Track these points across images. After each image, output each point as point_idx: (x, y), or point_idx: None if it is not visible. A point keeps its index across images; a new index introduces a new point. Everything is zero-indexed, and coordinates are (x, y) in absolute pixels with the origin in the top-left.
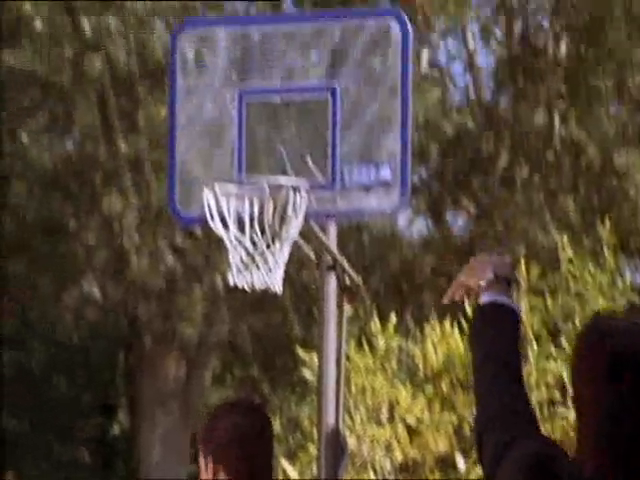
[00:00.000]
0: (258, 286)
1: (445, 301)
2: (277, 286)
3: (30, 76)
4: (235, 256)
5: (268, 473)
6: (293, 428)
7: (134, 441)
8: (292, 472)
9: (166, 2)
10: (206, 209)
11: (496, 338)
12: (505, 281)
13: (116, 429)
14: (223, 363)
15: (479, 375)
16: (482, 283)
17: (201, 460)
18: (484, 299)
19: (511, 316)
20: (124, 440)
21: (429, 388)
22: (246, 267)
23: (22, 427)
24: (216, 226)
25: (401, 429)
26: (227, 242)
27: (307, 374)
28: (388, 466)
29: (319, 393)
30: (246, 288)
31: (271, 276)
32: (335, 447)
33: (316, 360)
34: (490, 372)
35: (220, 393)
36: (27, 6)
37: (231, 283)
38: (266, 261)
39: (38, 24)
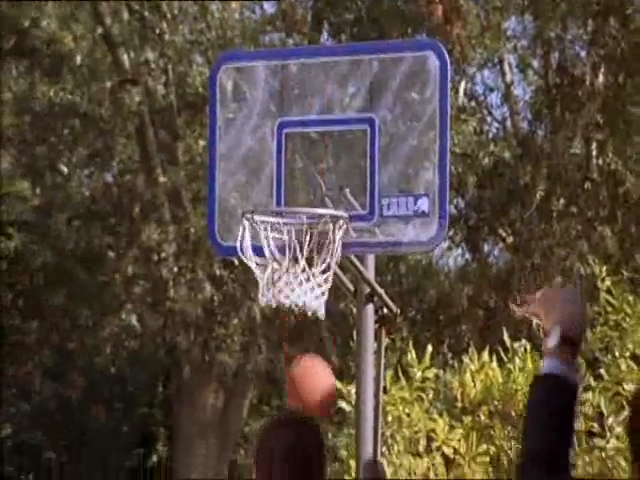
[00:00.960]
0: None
1: (515, 310)
2: (320, 312)
3: (70, 109)
4: (267, 284)
5: None
6: (331, 458)
7: (172, 470)
8: None
9: (205, 36)
10: (238, 240)
11: (547, 425)
12: (572, 344)
13: (154, 459)
14: (260, 393)
15: (522, 462)
16: (549, 344)
17: (255, 475)
18: (546, 366)
19: (567, 394)
20: (162, 470)
21: (467, 419)
22: (279, 291)
23: (61, 458)
24: (250, 258)
25: (438, 460)
26: (259, 273)
27: (344, 405)
28: None
29: (357, 424)
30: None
31: (313, 303)
32: (373, 477)
33: (353, 391)
34: (534, 466)
35: (258, 423)
36: (69, 40)
37: (262, 303)
38: (306, 286)
39: (79, 58)
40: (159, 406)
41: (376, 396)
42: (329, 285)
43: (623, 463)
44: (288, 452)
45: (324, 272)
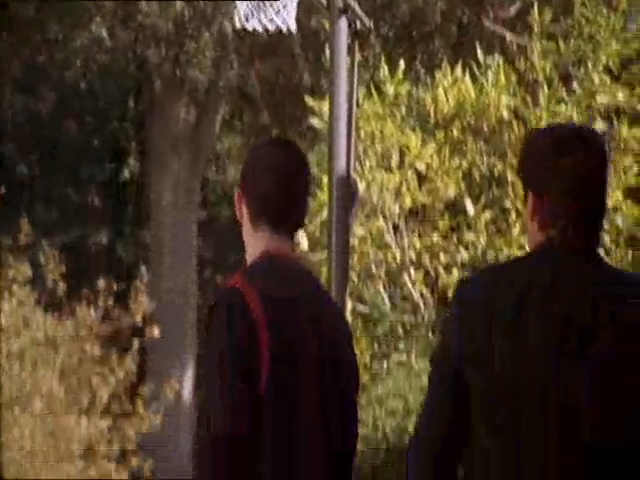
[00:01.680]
0: (271, 27)
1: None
2: (291, 25)
3: None
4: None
5: (303, 207)
6: None
7: (144, 185)
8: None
9: None
10: None
11: None
12: None
13: (126, 173)
14: (232, 109)
15: None
16: None
17: (237, 195)
18: None
19: None
20: (134, 184)
21: (439, 134)
22: (256, 8)
23: (32, 172)
24: None
25: (410, 175)
26: None
27: (315, 122)
28: (397, 211)
29: (330, 139)
30: (256, 29)
31: (284, 15)
32: (346, 193)
33: (325, 108)
34: None
35: (230, 139)
36: None
37: (237, 26)
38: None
39: None
40: (131, 121)
41: (349, 112)
42: None
43: None
44: (271, 165)
45: None
